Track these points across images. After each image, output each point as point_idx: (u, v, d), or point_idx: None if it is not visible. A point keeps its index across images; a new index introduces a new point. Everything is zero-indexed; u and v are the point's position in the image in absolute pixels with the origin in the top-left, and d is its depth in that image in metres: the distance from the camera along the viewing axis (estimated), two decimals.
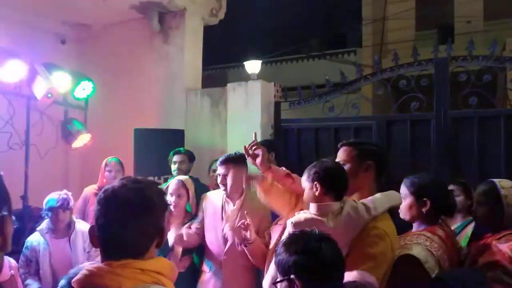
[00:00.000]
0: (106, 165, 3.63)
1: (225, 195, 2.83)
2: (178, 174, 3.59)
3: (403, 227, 2.03)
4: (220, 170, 2.78)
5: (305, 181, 1.88)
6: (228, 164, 2.75)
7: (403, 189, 2.02)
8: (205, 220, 2.89)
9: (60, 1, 4.70)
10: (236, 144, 4.36)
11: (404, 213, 1.99)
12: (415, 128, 3.81)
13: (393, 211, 1.91)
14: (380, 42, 9.87)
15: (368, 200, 1.81)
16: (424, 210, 1.93)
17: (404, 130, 3.84)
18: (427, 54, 4.00)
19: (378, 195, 1.85)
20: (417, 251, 1.75)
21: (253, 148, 2.31)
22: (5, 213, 1.05)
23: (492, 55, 3.68)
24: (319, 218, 1.75)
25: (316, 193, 1.81)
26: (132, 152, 4.27)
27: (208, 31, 5.43)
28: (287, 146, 4.28)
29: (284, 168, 2.34)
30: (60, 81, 4.02)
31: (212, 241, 2.84)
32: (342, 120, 4.12)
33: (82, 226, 3.09)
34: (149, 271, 1.10)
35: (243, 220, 2.55)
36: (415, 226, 2.01)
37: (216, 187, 4.14)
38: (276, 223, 2.75)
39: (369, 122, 4.03)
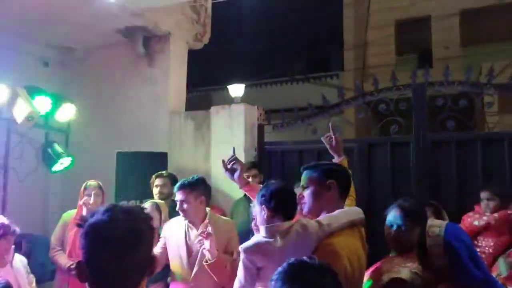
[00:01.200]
0: (85, 188, 3.54)
1: (188, 222, 2.78)
2: (159, 198, 3.56)
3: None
4: (178, 196, 2.71)
5: (255, 205, 1.93)
6: (185, 190, 2.69)
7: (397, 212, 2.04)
8: (169, 248, 2.82)
9: (44, 24, 4.71)
10: (219, 166, 4.36)
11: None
12: (395, 150, 3.89)
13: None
14: (361, 66, 10.11)
15: (323, 217, 1.83)
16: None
17: (384, 152, 3.92)
18: (406, 78, 4.12)
19: (336, 212, 1.85)
20: (405, 274, 1.79)
21: (231, 163, 2.33)
22: None
23: (468, 80, 3.82)
24: (267, 240, 1.78)
25: (265, 216, 1.85)
26: (114, 175, 4.23)
27: (193, 53, 5.50)
28: (270, 168, 4.30)
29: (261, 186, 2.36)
30: (41, 104, 3.99)
31: (178, 268, 2.77)
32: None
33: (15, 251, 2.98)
34: None
35: (203, 230, 2.54)
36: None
37: None
38: None
39: (351, 144, 4.09)
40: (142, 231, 1.14)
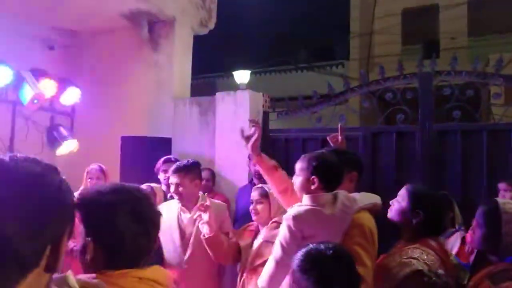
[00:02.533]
0: (87, 172, 3.55)
1: (180, 205, 2.80)
2: (167, 183, 3.56)
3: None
4: (173, 179, 2.74)
5: (301, 170, 1.89)
6: (180, 173, 2.72)
7: (404, 192, 1.99)
8: (161, 232, 2.83)
9: (49, 7, 4.68)
10: (224, 153, 4.38)
11: (394, 213, 1.96)
12: (401, 139, 3.88)
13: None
14: (367, 55, 10.04)
15: (353, 194, 1.93)
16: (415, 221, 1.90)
17: (389, 141, 3.90)
18: (412, 68, 4.09)
19: (361, 193, 1.99)
20: (421, 266, 1.72)
21: (253, 125, 2.36)
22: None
23: (475, 71, 3.79)
24: (317, 208, 1.80)
25: (313, 187, 1.85)
26: (118, 159, 4.24)
27: (198, 40, 5.46)
28: (274, 156, 4.28)
29: (274, 161, 2.37)
30: (47, 87, 3.98)
31: (170, 252, 2.78)
32: (329, 131, 4.12)
33: None
34: (147, 280, 1.09)
35: (202, 202, 2.55)
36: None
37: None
38: (246, 229, 2.76)
39: (355, 133, 4.08)
40: (151, 210, 1.18)
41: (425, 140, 3.74)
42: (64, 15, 4.93)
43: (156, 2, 4.81)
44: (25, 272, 0.67)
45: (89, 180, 3.49)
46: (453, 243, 2.78)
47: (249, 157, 4.07)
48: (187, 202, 2.79)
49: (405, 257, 1.77)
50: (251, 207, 2.68)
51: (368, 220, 1.84)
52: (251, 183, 4.00)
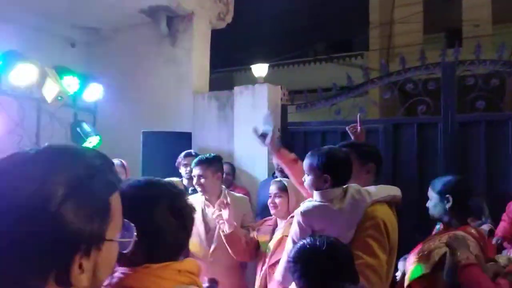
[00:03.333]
0: None
1: (204, 199, 2.84)
2: (188, 177, 3.59)
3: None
4: (196, 171, 2.78)
5: (311, 169, 1.88)
6: (203, 165, 2.77)
7: (429, 192, 2.14)
8: None
9: (70, 5, 4.77)
10: (243, 146, 4.40)
11: (432, 211, 2.10)
12: (422, 131, 3.81)
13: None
14: (387, 46, 9.86)
15: (370, 188, 1.90)
16: (447, 206, 2.02)
17: (411, 133, 3.84)
18: (434, 57, 4.00)
19: (379, 186, 1.95)
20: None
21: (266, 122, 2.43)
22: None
23: (500, 59, 3.68)
24: (326, 203, 1.81)
25: (325, 186, 1.84)
26: (140, 154, 4.31)
27: (215, 34, 5.48)
28: (293, 149, 4.28)
29: (293, 154, 2.38)
30: (69, 84, 4.07)
31: (196, 245, 2.82)
32: (349, 123, 4.08)
33: None
34: (185, 272, 1.12)
35: (222, 199, 2.60)
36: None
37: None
38: (262, 224, 2.77)
39: (375, 125, 4.03)
40: (188, 204, 1.20)
41: (448, 131, 3.67)
42: (85, 13, 5.02)
43: None
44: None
45: None
46: None
47: (269, 151, 4.08)
48: (210, 196, 2.83)
49: (443, 240, 1.91)
50: (269, 200, 2.69)
51: (382, 213, 1.80)
52: (274, 176, 4.01)
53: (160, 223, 1.13)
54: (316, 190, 1.86)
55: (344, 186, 1.86)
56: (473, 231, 2.00)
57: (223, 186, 2.93)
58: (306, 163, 1.91)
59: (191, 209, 1.20)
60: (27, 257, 0.60)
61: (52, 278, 0.62)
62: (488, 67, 3.70)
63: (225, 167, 4.24)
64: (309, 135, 4.31)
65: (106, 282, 1.07)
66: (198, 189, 2.81)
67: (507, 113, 3.95)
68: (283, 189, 2.68)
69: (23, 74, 3.65)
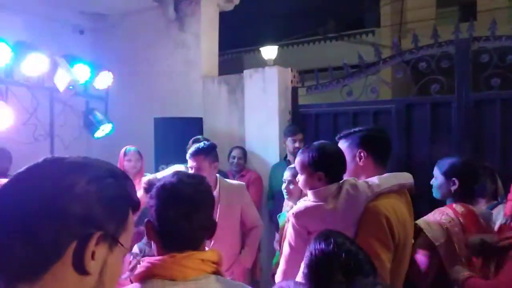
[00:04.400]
0: (125, 154, 3.63)
1: None
2: None
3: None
4: (192, 163, 2.71)
5: (303, 167, 1.81)
6: (200, 156, 2.70)
7: (435, 170, 2.20)
8: None
9: None
10: (254, 130, 4.40)
11: (435, 191, 2.18)
12: (436, 111, 3.75)
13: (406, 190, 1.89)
14: (399, 22, 9.63)
15: (372, 178, 1.77)
16: (452, 189, 2.10)
17: (424, 113, 3.78)
18: (448, 33, 3.89)
19: (385, 174, 1.81)
20: (422, 221, 2.01)
21: None
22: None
23: None
24: (318, 203, 1.73)
25: (313, 181, 1.77)
26: (152, 140, 4.35)
27: (223, 15, 5.41)
28: (305, 132, 4.27)
29: None
30: (80, 73, 4.09)
31: None
32: (361, 104, 4.09)
33: None
34: (208, 261, 1.17)
35: None
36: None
37: (236, 174, 4.19)
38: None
39: (388, 106, 3.98)
40: (207, 193, 1.25)
41: (462, 110, 3.61)
42: None
43: None
44: (47, 262, 0.66)
45: (126, 162, 3.59)
46: (496, 216, 2.72)
47: (284, 132, 4.07)
48: None
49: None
50: (283, 186, 2.70)
51: (385, 207, 1.66)
52: (285, 159, 4.02)
53: (162, 214, 1.19)
54: (310, 189, 1.78)
55: (340, 182, 1.75)
56: (457, 207, 2.07)
57: (218, 175, 2.90)
58: (297, 161, 1.83)
59: (198, 197, 1.22)
60: (54, 225, 0.67)
61: (69, 256, 0.67)
62: (504, 43, 3.59)
63: (237, 151, 4.27)
64: (321, 117, 4.28)
65: (135, 271, 1.13)
66: None
67: None
68: (297, 176, 2.68)
69: (34, 64, 3.67)
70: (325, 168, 1.76)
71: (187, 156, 2.78)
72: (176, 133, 4.18)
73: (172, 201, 1.19)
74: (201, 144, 2.79)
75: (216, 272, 1.18)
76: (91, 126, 4.21)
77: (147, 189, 1.22)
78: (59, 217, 0.67)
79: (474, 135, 3.58)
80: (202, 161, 2.72)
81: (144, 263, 1.15)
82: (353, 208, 1.68)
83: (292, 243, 1.79)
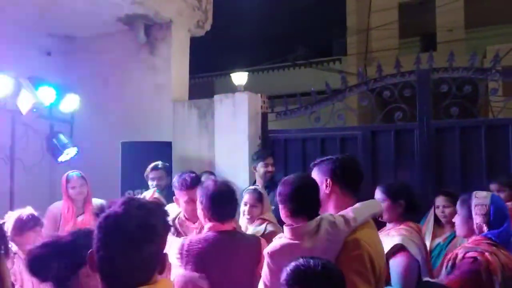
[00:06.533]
0: (67, 181, 3.32)
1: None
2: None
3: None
4: (184, 197, 2.45)
5: (281, 202, 1.77)
6: (194, 188, 2.34)
7: (379, 194, 2.30)
8: None
9: (44, 13, 4.68)
10: (224, 155, 4.40)
11: (383, 214, 2.23)
12: (399, 138, 3.90)
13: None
14: (364, 50, 10.02)
15: (347, 211, 1.72)
16: (400, 210, 2.26)
17: (388, 140, 3.92)
18: (410, 63, 4.09)
19: (358, 205, 1.78)
20: (401, 239, 2.11)
21: None
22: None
23: (473, 66, 3.79)
24: (294, 242, 1.65)
25: (288, 216, 1.73)
26: (119, 165, 4.26)
27: (194, 40, 5.47)
28: (274, 157, 4.31)
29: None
30: (45, 95, 3.99)
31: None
32: (328, 130, 4.19)
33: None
34: None
35: None
36: (391, 225, 2.28)
37: None
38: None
39: (354, 132, 4.10)
40: (155, 227, 1.14)
41: (424, 137, 3.76)
42: (60, 21, 4.94)
43: (153, 5, 4.81)
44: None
45: (71, 190, 3.31)
46: (461, 242, 2.78)
47: (252, 157, 4.07)
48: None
49: (393, 234, 2.16)
50: (244, 209, 2.70)
51: (366, 241, 1.63)
52: (254, 184, 4.01)
53: (99, 251, 1.12)
54: (288, 225, 1.71)
55: (317, 218, 1.68)
56: (413, 225, 2.24)
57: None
58: (277, 193, 1.79)
59: (140, 228, 1.13)
60: None
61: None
62: (461, 74, 3.80)
63: (206, 176, 4.23)
64: (290, 143, 4.34)
65: None
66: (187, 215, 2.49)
67: (481, 118, 4.07)
68: (259, 200, 2.70)
69: None
70: (300, 206, 1.71)
71: (177, 188, 2.49)
72: (144, 158, 4.11)
73: (111, 234, 1.11)
74: (188, 175, 2.50)
75: None
76: (55, 149, 4.09)
77: (97, 215, 1.14)
78: None
79: (436, 161, 3.73)
80: (195, 193, 2.32)
81: None
82: (332, 247, 1.62)
83: (267, 283, 1.71)
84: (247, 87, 4.58)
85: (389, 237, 2.15)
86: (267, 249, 1.73)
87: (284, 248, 1.67)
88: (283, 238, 1.72)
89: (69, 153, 4.13)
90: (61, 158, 4.13)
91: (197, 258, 1.92)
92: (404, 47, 9.76)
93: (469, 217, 2.02)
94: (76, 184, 3.32)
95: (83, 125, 4.69)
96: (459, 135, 3.69)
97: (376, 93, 4.11)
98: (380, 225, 2.15)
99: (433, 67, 3.84)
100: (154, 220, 1.15)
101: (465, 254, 1.91)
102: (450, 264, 1.96)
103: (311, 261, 1.39)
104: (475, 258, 1.87)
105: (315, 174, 1.89)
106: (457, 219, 2.10)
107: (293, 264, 1.40)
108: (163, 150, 4.30)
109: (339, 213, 1.74)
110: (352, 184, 1.85)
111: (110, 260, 1.10)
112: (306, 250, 1.59)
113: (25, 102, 3.80)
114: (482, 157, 3.59)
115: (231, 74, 4.78)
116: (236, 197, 2.17)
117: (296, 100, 4.40)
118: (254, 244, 2.06)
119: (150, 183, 3.59)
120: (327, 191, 1.83)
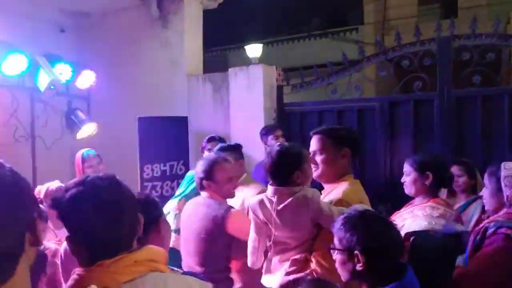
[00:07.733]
0: (83, 160, 3.28)
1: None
2: None
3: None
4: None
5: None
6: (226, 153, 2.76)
7: (407, 167, 2.20)
8: None
9: None
10: (239, 129, 4.39)
11: (409, 188, 2.18)
12: (418, 108, 3.80)
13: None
14: (382, 19, 9.73)
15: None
16: (427, 183, 2.12)
17: (407, 110, 3.83)
18: (430, 31, 3.94)
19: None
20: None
21: None
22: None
23: (496, 32, 3.64)
24: (271, 198, 1.89)
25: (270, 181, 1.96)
26: (136, 140, 4.30)
27: (207, 13, 5.37)
28: (290, 130, 4.29)
29: None
30: (62, 72, 4.02)
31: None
32: (345, 102, 4.12)
33: None
34: (143, 261, 1.11)
35: None
36: (418, 200, 2.18)
37: None
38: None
39: (372, 103, 4.02)
40: (126, 195, 1.18)
41: (444, 107, 3.66)
42: None
43: None
44: (16, 261, 0.80)
45: (89, 169, 3.26)
46: (473, 211, 2.78)
47: (261, 133, 4.06)
48: None
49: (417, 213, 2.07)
50: None
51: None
52: None
53: (85, 221, 1.11)
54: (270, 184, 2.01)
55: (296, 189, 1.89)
56: (441, 201, 2.13)
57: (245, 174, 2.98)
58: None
59: (120, 199, 1.15)
60: None
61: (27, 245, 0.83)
62: (484, 41, 3.65)
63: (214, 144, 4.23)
64: (306, 115, 4.29)
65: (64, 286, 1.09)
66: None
67: (503, 87, 3.94)
68: None
69: (14, 64, 3.59)
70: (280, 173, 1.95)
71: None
72: (160, 132, 4.15)
73: (92, 208, 1.10)
74: (227, 143, 2.85)
75: (155, 270, 1.11)
76: (73, 126, 4.15)
77: (54, 207, 1.11)
78: None
79: (456, 131, 3.64)
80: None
81: (74, 275, 1.10)
82: (302, 210, 1.85)
83: (252, 233, 2.04)
84: (262, 60, 4.51)
85: (412, 217, 2.08)
86: (248, 202, 2.03)
87: (260, 202, 1.93)
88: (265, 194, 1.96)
89: (88, 129, 4.18)
90: (80, 135, 4.19)
91: None
92: (423, 14, 9.43)
93: (498, 190, 1.92)
94: (93, 162, 3.29)
95: (99, 101, 4.73)
96: (481, 105, 3.57)
97: (394, 63, 3.99)
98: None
99: (454, 35, 3.70)
100: (116, 186, 1.17)
101: (496, 229, 1.84)
102: (479, 237, 1.89)
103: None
104: (507, 235, 1.80)
105: (327, 142, 2.01)
106: (485, 192, 2.01)
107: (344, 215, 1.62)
108: (179, 124, 4.32)
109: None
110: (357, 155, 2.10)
111: (97, 231, 1.11)
112: (279, 209, 1.86)
113: (42, 80, 3.84)
114: (505, 127, 3.48)
115: (245, 47, 4.72)
116: None
117: (312, 72, 4.32)
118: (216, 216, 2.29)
119: (206, 153, 3.55)
120: (344, 160, 2.03)
